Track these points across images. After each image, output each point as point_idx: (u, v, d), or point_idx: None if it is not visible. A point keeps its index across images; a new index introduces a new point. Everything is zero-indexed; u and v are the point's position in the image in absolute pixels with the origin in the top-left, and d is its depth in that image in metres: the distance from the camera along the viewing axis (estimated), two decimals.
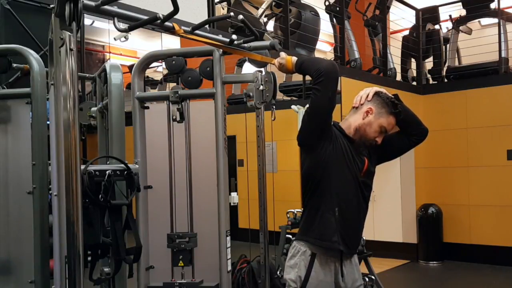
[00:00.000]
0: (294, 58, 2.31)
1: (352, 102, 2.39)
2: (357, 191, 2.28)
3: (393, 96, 2.32)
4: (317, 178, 2.24)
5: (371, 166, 2.34)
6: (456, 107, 7.20)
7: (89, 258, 2.28)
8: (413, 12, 7.85)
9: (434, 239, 7.20)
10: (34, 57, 2.49)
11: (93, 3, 1.87)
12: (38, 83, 2.46)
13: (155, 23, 2.02)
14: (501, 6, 7.16)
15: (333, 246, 2.22)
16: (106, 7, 1.88)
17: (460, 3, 7.60)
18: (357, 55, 6.57)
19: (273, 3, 6.03)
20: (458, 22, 7.66)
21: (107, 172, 2.27)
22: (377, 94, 2.32)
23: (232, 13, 2.39)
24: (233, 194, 3.97)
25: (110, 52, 4.38)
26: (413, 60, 7.86)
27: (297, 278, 2.23)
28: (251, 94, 2.90)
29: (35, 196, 2.44)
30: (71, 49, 1.65)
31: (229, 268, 2.56)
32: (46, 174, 2.41)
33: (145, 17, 2.01)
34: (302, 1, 6.28)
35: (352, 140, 2.29)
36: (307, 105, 2.25)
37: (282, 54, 2.37)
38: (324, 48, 8.95)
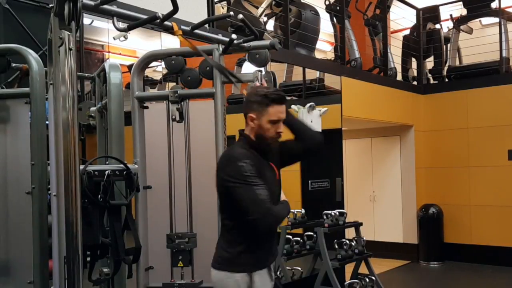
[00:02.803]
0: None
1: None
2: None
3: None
4: None
5: (279, 171, 2.32)
6: (457, 107, 7.19)
7: (88, 259, 2.28)
8: (414, 11, 7.85)
9: (435, 240, 7.19)
10: (33, 56, 2.48)
11: (92, 3, 1.87)
12: (37, 83, 2.45)
13: (155, 23, 2.02)
14: (502, 5, 7.16)
15: None
16: (105, 6, 1.88)
17: (461, 3, 7.60)
18: (357, 55, 6.56)
19: (273, 2, 6.02)
20: (459, 22, 7.65)
21: (106, 172, 2.27)
22: (247, 101, 2.25)
23: (231, 13, 2.38)
24: None
25: (109, 52, 4.36)
26: (413, 59, 7.86)
27: None
28: None
29: (34, 196, 2.43)
30: (70, 49, 1.65)
31: None
32: (45, 174, 2.40)
33: (145, 17, 2.01)
34: (302, 0, 6.27)
35: (260, 148, 2.23)
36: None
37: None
38: (324, 47, 8.93)
